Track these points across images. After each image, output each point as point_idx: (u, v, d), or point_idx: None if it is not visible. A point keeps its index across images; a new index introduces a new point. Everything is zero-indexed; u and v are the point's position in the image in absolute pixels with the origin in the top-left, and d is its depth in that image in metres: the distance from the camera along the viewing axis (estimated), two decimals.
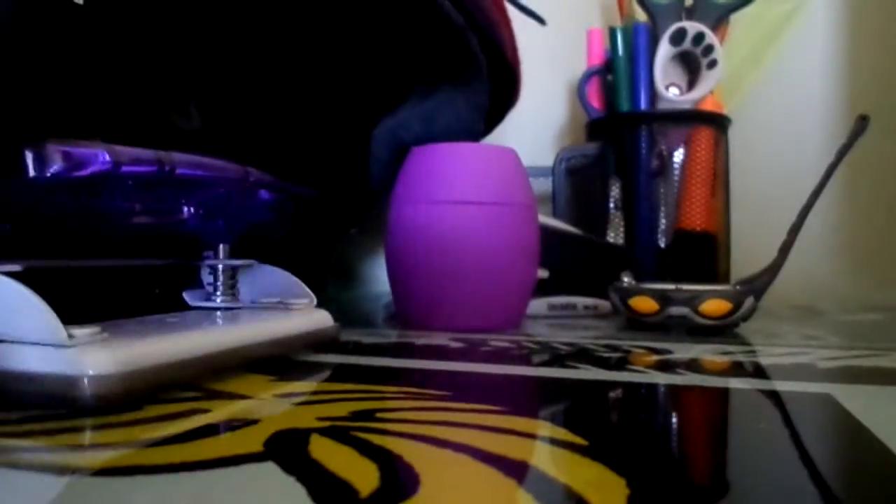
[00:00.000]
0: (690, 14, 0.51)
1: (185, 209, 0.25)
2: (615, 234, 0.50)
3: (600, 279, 0.39)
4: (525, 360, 0.26)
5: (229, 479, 0.12)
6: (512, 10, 0.40)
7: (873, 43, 0.61)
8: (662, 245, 0.49)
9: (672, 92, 0.50)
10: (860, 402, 0.18)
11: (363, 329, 0.35)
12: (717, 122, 0.51)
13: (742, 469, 0.13)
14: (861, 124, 0.35)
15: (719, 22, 0.51)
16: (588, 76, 0.55)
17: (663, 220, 0.50)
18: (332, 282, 0.44)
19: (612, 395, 0.20)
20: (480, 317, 0.34)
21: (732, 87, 0.55)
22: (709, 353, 0.27)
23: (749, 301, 0.33)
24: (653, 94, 0.50)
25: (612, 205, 0.51)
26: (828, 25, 0.62)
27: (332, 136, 0.39)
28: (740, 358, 0.26)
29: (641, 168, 0.49)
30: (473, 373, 0.23)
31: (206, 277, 0.27)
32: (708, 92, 0.50)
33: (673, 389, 0.20)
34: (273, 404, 0.18)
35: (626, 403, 0.19)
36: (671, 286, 0.35)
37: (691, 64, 0.50)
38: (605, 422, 0.17)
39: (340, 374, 0.22)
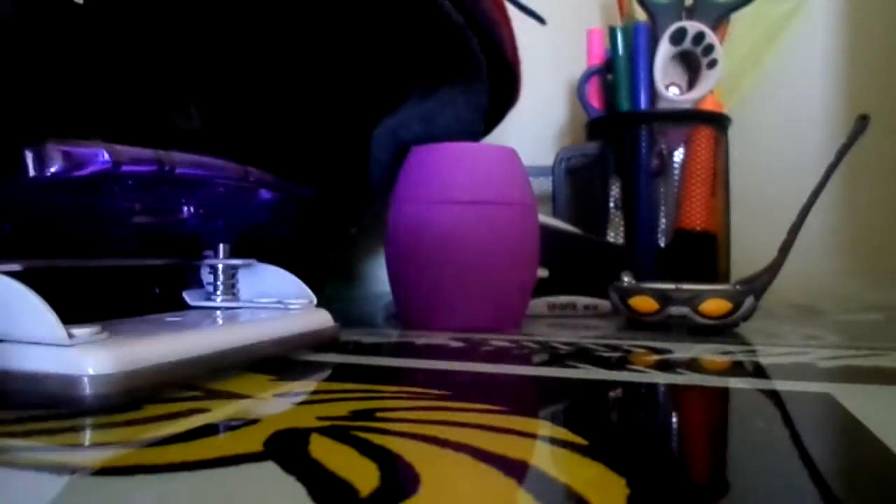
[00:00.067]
0: (690, 14, 0.51)
1: (185, 209, 0.25)
2: (615, 234, 0.50)
3: (600, 279, 0.39)
4: (525, 359, 0.26)
5: (229, 479, 0.12)
6: (512, 10, 0.40)
7: (873, 43, 0.61)
8: (662, 245, 0.49)
9: (672, 91, 0.50)
10: (860, 401, 0.18)
11: (363, 329, 0.35)
12: (717, 122, 0.51)
13: (742, 469, 0.13)
14: (861, 124, 0.35)
15: (719, 21, 0.51)
16: (588, 76, 0.55)
17: (663, 220, 0.50)
18: (332, 282, 0.44)
19: (612, 394, 0.20)
20: (480, 317, 0.34)
21: (732, 87, 0.55)
22: (709, 352, 0.27)
23: (749, 301, 0.33)
24: (653, 94, 0.50)
25: (612, 205, 0.51)
26: (828, 25, 0.62)
27: (332, 136, 0.39)
28: (740, 357, 0.26)
29: (641, 168, 0.49)
30: (473, 372, 0.23)
31: (206, 277, 0.27)
32: (708, 91, 0.50)
33: (673, 389, 0.20)
34: (273, 404, 0.18)
35: (626, 403, 0.19)
36: (671, 286, 0.35)
37: (691, 63, 0.50)
38: (605, 421, 0.17)
39: (340, 373, 0.22)
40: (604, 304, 0.43)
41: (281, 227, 0.31)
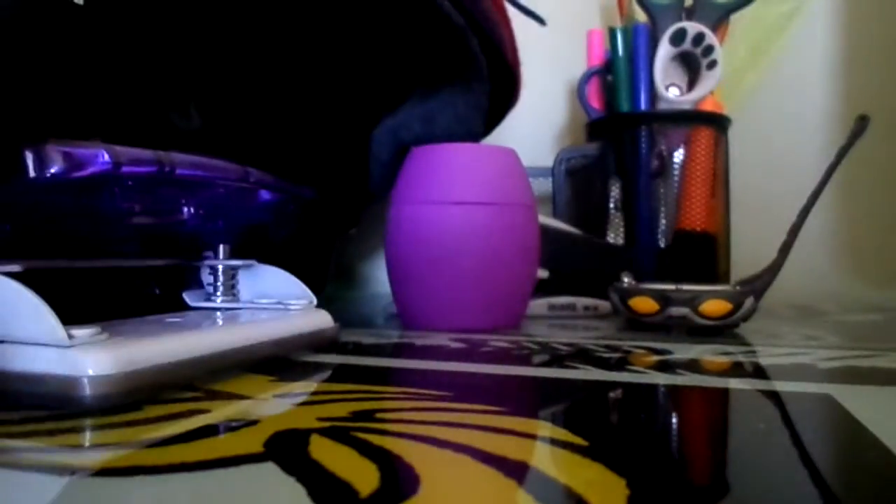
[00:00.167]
0: (690, 14, 0.51)
1: (185, 209, 0.25)
2: (615, 235, 0.50)
3: (600, 279, 0.39)
4: (525, 360, 0.26)
5: (229, 480, 0.12)
6: (512, 10, 0.40)
7: (873, 43, 0.61)
8: (662, 245, 0.49)
9: (672, 92, 0.50)
10: (860, 402, 0.18)
11: (363, 329, 0.35)
12: (717, 123, 0.51)
13: (742, 469, 0.13)
14: (861, 124, 0.35)
15: (719, 22, 0.51)
16: (588, 76, 0.55)
17: (663, 221, 0.50)
18: (332, 282, 0.44)
19: (612, 395, 0.20)
20: (480, 317, 0.34)
21: (732, 87, 0.55)
22: (709, 353, 0.27)
23: (749, 301, 0.33)
24: (653, 95, 0.50)
25: (612, 205, 0.51)
26: (828, 26, 0.62)
27: (332, 137, 0.39)
28: (740, 358, 0.26)
29: (641, 168, 0.49)
30: (473, 373, 0.23)
31: (206, 278, 0.27)
32: (708, 92, 0.50)
33: (673, 390, 0.20)
34: (273, 405, 0.18)
35: (626, 404, 0.19)
36: (671, 286, 0.35)
37: (691, 64, 0.50)
38: (605, 422, 0.17)
39: (340, 374, 0.22)
40: (604, 304, 0.43)
41: (281, 227, 0.31)
